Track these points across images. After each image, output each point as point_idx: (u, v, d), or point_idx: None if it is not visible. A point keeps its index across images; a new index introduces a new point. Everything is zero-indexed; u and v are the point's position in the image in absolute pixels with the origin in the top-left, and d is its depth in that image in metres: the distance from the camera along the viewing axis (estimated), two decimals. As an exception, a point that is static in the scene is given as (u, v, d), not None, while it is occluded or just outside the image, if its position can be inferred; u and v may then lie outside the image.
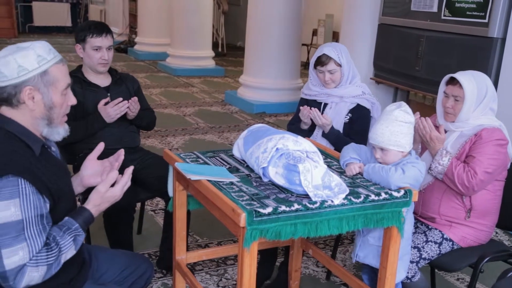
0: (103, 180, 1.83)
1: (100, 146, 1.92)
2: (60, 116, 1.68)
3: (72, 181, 1.84)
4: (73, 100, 1.71)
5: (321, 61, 2.68)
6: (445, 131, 2.33)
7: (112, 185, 1.75)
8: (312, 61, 2.74)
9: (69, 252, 1.61)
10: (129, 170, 1.79)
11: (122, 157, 1.91)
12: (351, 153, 2.08)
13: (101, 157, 2.76)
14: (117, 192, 1.74)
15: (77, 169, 2.67)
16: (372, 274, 2.28)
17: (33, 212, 1.52)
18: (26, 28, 14.78)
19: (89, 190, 1.95)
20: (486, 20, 3.73)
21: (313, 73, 2.78)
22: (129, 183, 1.78)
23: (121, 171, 1.87)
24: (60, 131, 1.69)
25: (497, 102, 2.34)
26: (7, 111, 1.61)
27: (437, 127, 2.34)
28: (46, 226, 1.57)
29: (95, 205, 1.72)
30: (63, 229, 1.61)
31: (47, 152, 1.68)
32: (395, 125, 1.97)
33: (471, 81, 2.25)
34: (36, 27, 14.81)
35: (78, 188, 1.89)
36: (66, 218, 1.65)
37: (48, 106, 1.62)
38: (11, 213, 1.48)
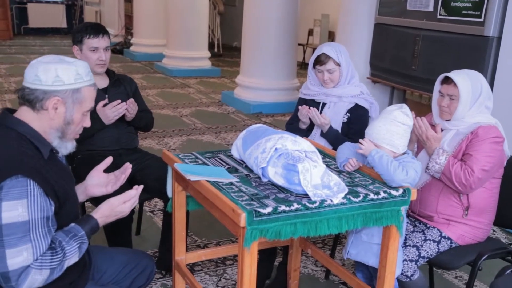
0: (108, 191, 1.93)
1: (108, 160, 1.99)
2: (73, 133, 1.74)
3: (76, 189, 1.87)
4: (88, 123, 1.79)
5: (320, 60, 2.69)
6: (442, 130, 2.35)
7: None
8: (311, 60, 2.74)
9: (72, 258, 1.63)
10: (139, 189, 1.84)
11: (129, 170, 1.97)
12: (347, 153, 2.09)
13: (99, 158, 2.76)
14: (126, 209, 1.80)
15: (74, 171, 2.67)
16: (367, 272, 2.29)
17: (40, 214, 1.53)
18: (21, 30, 14.75)
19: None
20: (481, 19, 3.75)
21: (312, 72, 2.79)
22: (137, 201, 1.85)
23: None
24: (68, 146, 1.75)
25: (492, 100, 2.35)
26: (25, 112, 1.65)
27: (433, 126, 2.35)
28: (51, 229, 1.58)
29: (103, 215, 1.75)
30: (69, 235, 1.62)
31: (54, 156, 1.71)
32: (392, 125, 1.98)
33: (466, 79, 2.27)
34: (31, 28, 14.79)
35: (81, 197, 1.93)
36: (73, 224, 1.67)
37: (67, 121, 1.69)
38: (18, 213, 1.49)
